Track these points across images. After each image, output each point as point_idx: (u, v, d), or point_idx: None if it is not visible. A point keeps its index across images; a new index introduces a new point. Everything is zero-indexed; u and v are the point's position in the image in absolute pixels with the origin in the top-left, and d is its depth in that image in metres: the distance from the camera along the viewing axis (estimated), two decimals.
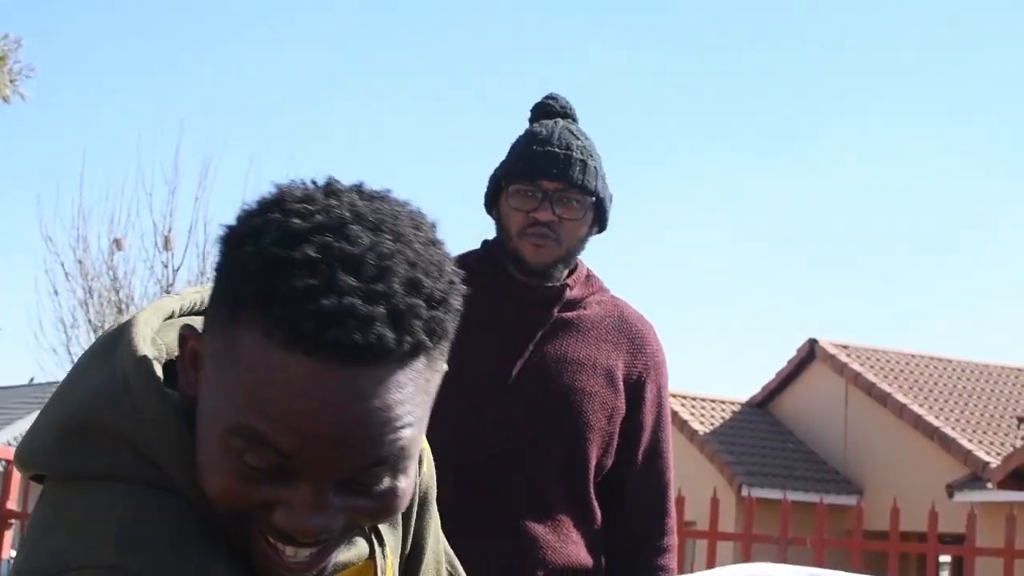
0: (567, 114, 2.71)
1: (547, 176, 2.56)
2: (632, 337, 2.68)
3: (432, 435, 2.36)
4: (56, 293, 15.74)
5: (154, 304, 1.24)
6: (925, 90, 29.39)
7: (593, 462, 2.58)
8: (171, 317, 1.24)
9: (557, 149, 2.59)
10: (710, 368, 31.77)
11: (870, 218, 29.54)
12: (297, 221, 1.06)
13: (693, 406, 20.51)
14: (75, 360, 1.24)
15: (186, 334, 1.13)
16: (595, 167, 2.61)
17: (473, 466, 2.48)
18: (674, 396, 20.32)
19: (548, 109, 2.70)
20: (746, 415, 20.78)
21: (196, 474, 1.09)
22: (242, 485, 1.07)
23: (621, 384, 2.63)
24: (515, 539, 2.49)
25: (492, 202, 2.65)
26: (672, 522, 2.72)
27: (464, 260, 2.63)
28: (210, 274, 1.28)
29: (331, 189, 1.11)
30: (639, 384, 2.66)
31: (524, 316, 2.59)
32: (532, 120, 2.71)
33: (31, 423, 1.19)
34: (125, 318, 1.22)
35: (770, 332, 29.37)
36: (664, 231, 28.86)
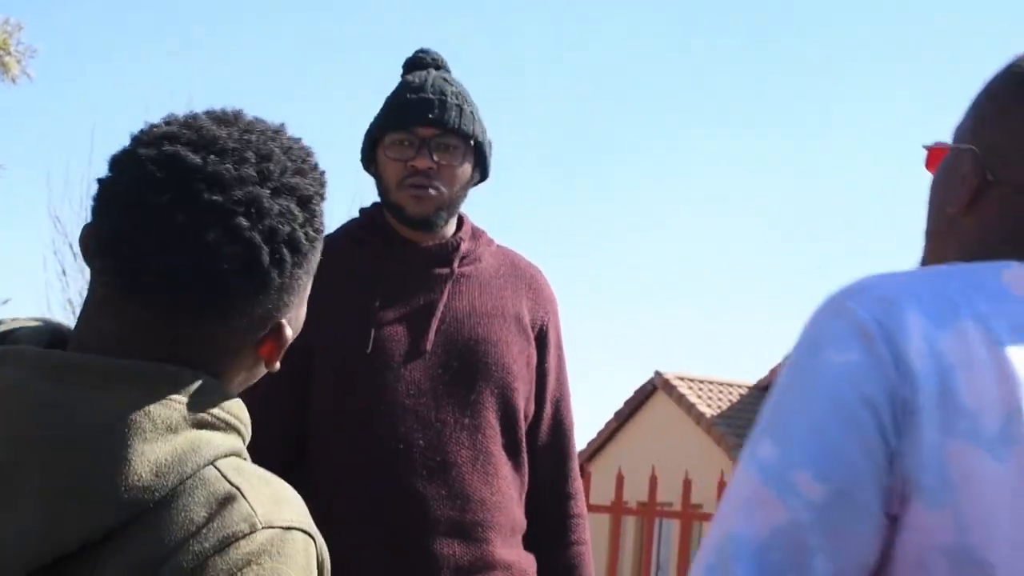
0: (439, 65, 2.66)
1: (422, 122, 2.52)
2: (529, 283, 2.66)
3: (356, 414, 2.41)
4: (64, 273, 15.75)
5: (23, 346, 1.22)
6: (925, 86, 29.32)
7: (522, 411, 2.57)
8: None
9: (431, 95, 2.55)
10: (717, 351, 31.80)
11: (879, 201, 29.51)
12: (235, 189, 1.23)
13: (700, 389, 20.53)
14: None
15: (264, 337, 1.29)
16: (471, 112, 2.58)
17: (407, 438, 2.45)
18: (681, 379, 20.35)
19: (420, 61, 2.66)
20: (754, 398, 20.78)
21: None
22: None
23: (529, 331, 2.62)
24: (465, 501, 2.47)
25: (370, 157, 2.60)
26: (575, 466, 2.71)
27: (349, 231, 2.60)
28: None
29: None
30: (543, 329, 2.65)
31: (425, 276, 2.55)
32: (404, 74, 2.65)
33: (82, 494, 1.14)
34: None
35: (777, 315, 29.38)
36: (672, 213, 28.85)
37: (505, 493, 2.52)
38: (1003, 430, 1.18)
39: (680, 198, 29.31)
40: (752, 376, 21.51)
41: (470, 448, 2.49)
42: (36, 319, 1.28)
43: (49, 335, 1.25)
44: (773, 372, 21.26)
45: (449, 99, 2.55)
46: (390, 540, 2.44)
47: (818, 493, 1.17)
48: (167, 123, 1.27)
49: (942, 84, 28.11)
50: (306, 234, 1.25)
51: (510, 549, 2.53)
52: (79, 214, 15.80)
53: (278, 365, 1.29)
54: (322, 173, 1.29)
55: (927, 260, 1.42)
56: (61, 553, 1.13)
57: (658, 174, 28.87)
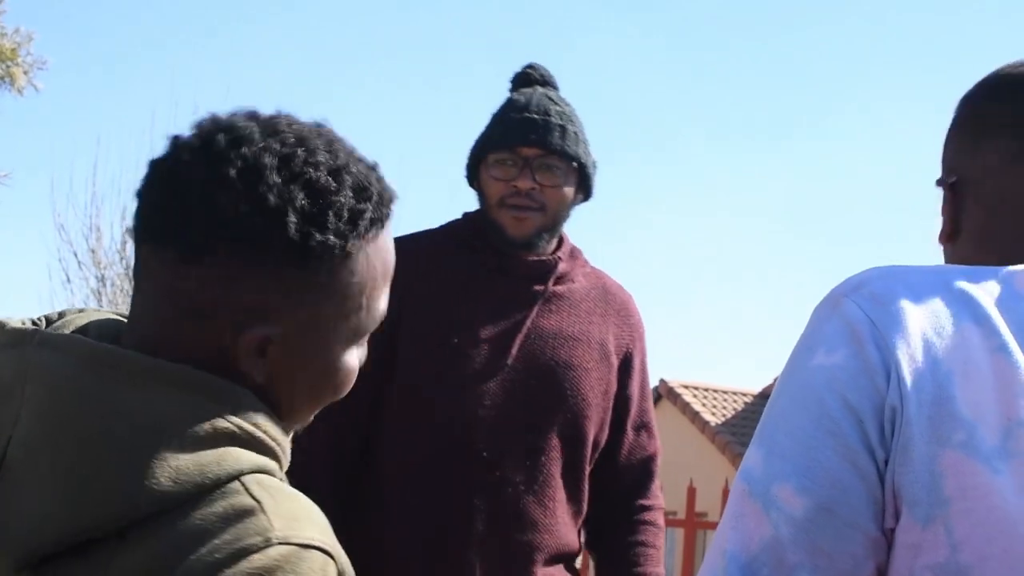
0: (546, 82, 2.66)
1: (525, 142, 2.52)
2: (618, 309, 2.66)
3: (427, 414, 2.41)
4: (69, 281, 15.76)
5: (71, 336, 1.23)
6: (925, 86, 29.32)
7: (591, 439, 2.57)
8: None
9: (535, 115, 2.54)
10: (722, 359, 31.77)
11: (885, 203, 29.49)
12: (299, 156, 1.23)
13: (705, 397, 20.50)
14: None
15: (258, 336, 1.21)
16: (575, 132, 2.57)
17: (472, 444, 2.46)
18: (686, 387, 20.32)
19: (527, 78, 2.66)
20: (758, 406, 20.75)
21: (293, 403, 1.26)
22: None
23: (613, 358, 2.62)
24: (515, 520, 2.47)
25: (473, 174, 2.60)
26: (658, 488, 2.72)
27: (450, 231, 2.60)
28: None
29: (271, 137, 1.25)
30: (628, 355, 2.65)
31: (517, 290, 2.55)
32: (512, 90, 2.66)
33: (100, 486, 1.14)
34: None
35: (782, 323, 29.34)
36: (676, 217, 28.84)
37: (558, 516, 2.52)
38: (1002, 443, 1.10)
39: (685, 204, 29.30)
40: (757, 384, 21.49)
41: (530, 467, 2.48)
42: (116, 313, 1.30)
43: (113, 331, 1.26)
44: (777, 380, 21.14)
45: (553, 119, 2.55)
46: (430, 545, 2.44)
47: (798, 507, 1.10)
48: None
49: (946, 85, 28.06)
50: (353, 215, 1.28)
51: (552, 571, 2.52)
52: (83, 223, 15.84)
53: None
54: (377, 170, 1.33)
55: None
56: (74, 540, 1.13)
57: (663, 180, 28.87)
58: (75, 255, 15.74)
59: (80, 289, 15.73)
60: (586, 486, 2.60)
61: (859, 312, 1.15)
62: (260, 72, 25.83)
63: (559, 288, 2.59)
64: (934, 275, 1.19)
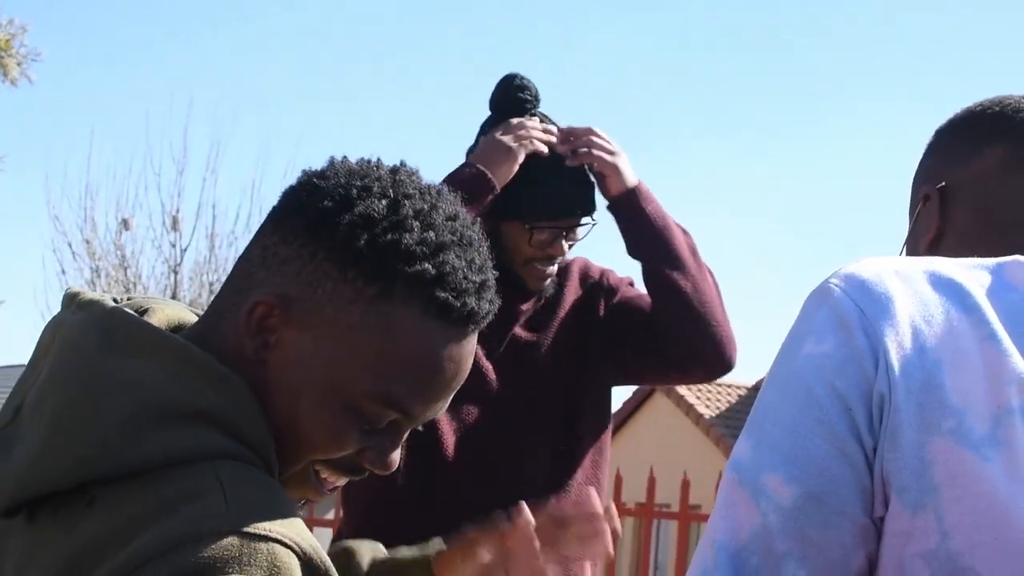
0: (538, 100, 2.61)
1: (573, 216, 2.56)
2: (589, 289, 2.66)
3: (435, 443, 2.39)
4: (63, 272, 15.76)
5: (105, 300, 1.26)
6: (924, 86, 29.31)
7: (585, 440, 2.57)
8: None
9: (578, 187, 2.56)
10: None
11: (881, 203, 29.50)
12: (421, 205, 1.22)
13: (699, 390, 20.50)
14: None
15: (262, 300, 1.21)
16: (593, 182, 2.60)
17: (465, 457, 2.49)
18: None
19: (523, 105, 2.58)
20: (753, 399, 20.66)
21: (279, 425, 1.20)
22: (356, 438, 1.21)
23: (603, 336, 2.61)
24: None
25: (494, 215, 2.50)
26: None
27: None
28: (220, 255, 1.29)
29: (398, 170, 1.26)
30: (610, 296, 2.65)
31: (504, 305, 2.52)
32: (505, 111, 2.57)
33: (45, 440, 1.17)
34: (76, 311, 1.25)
35: (777, 317, 29.34)
36: (674, 215, 28.79)
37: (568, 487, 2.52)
38: (992, 430, 1.10)
39: (679, 199, 29.29)
40: (751, 377, 21.49)
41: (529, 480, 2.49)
42: (192, 310, 1.33)
43: (177, 320, 1.29)
44: (768, 371, 21.17)
45: (586, 180, 2.57)
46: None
47: (787, 496, 1.10)
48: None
49: (944, 85, 28.10)
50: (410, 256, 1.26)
51: None
52: (78, 214, 15.83)
53: None
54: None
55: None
56: (46, 486, 1.15)
57: (656, 174, 28.85)
58: (70, 246, 15.75)
59: (75, 280, 15.71)
60: (607, 470, 2.60)
61: (848, 301, 1.15)
62: (256, 67, 25.79)
63: (546, 301, 2.61)
64: (924, 265, 1.19)
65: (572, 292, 2.64)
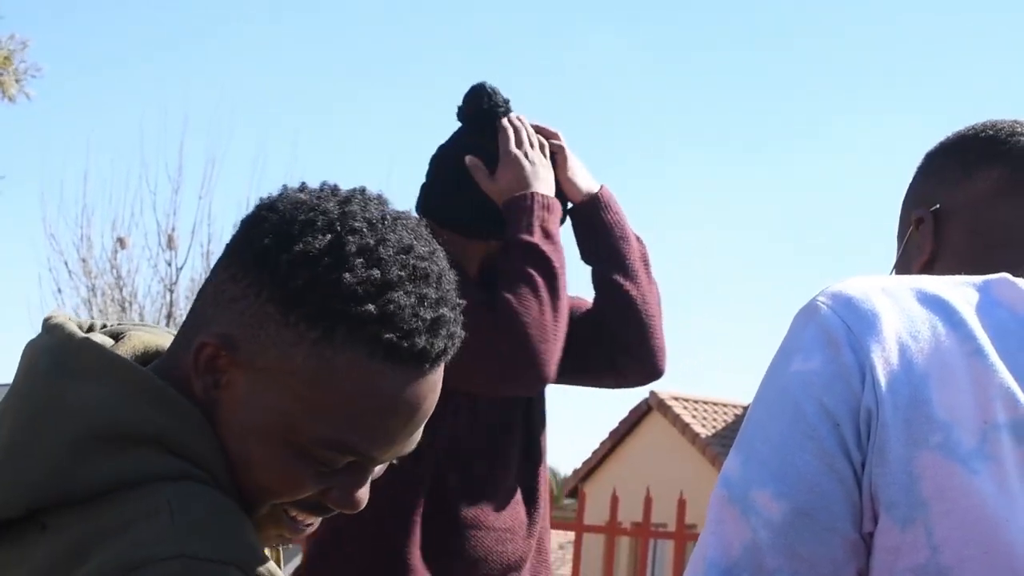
0: (509, 111, 2.56)
1: (496, 239, 2.52)
2: None
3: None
4: (59, 291, 15.72)
5: (68, 324, 1.24)
6: (924, 91, 29.38)
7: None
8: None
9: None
10: (712, 371, 31.76)
11: (872, 216, 29.54)
12: (368, 240, 1.15)
13: (695, 409, 20.49)
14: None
15: (208, 342, 1.17)
16: None
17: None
18: (676, 399, 20.31)
19: (496, 111, 2.53)
20: None
21: (234, 465, 1.17)
22: (313, 481, 1.16)
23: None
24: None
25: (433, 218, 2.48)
26: None
27: None
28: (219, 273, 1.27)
29: (350, 200, 1.19)
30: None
31: None
32: (475, 121, 2.54)
33: None
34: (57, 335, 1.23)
35: (774, 335, 29.39)
36: (664, 230, 28.86)
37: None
38: (979, 445, 1.11)
39: (675, 217, 29.33)
40: (747, 396, 21.48)
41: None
42: (167, 331, 1.30)
43: (156, 347, 1.26)
44: (757, 388, 21.14)
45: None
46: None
47: (776, 512, 1.11)
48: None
49: (943, 98, 28.15)
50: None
51: None
52: (74, 232, 15.81)
53: None
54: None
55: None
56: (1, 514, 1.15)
57: (651, 192, 28.90)
58: (66, 264, 15.73)
59: (70, 299, 15.71)
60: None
61: (835, 318, 1.16)
62: (249, 81, 25.82)
63: None
64: (911, 282, 1.20)
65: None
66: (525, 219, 2.42)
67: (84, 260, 15.82)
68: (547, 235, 2.43)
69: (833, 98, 30.17)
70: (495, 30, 29.43)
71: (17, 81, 10.47)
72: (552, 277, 2.40)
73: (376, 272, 1.13)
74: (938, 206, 1.37)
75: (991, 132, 1.38)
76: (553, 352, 2.40)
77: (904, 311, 1.16)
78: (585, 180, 2.57)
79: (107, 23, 25.84)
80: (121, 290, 15.80)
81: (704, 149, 29.70)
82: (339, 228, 1.15)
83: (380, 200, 1.21)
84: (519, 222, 2.41)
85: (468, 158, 2.49)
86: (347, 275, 1.13)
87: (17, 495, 1.14)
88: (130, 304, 15.66)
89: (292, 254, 1.14)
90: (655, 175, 29.18)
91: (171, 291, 15.76)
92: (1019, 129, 1.37)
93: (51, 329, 1.22)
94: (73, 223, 15.92)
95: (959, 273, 1.26)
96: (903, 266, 1.40)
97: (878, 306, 1.16)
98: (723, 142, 29.98)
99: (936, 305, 1.17)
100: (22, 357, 1.21)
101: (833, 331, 1.15)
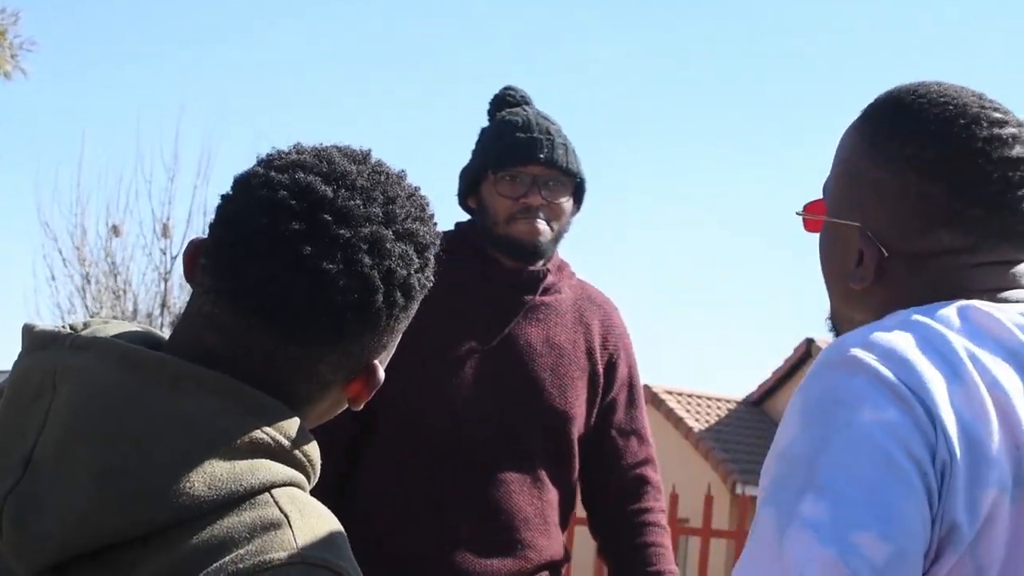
0: (527, 101, 2.74)
1: (534, 161, 2.60)
2: (602, 319, 2.74)
3: (421, 418, 2.44)
4: (53, 279, 15.72)
5: (118, 343, 1.21)
6: None
7: (576, 445, 2.64)
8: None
9: (539, 135, 2.62)
10: (706, 366, 31.80)
11: None
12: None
13: (688, 403, 20.52)
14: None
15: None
16: (573, 149, 2.66)
17: (460, 453, 2.53)
18: (669, 393, 20.34)
19: (510, 100, 2.73)
20: (741, 413, 20.78)
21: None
22: None
23: (598, 366, 2.69)
24: (507, 517, 2.53)
25: (469, 193, 2.67)
26: (657, 491, 2.75)
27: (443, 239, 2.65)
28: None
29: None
30: (612, 363, 2.72)
31: (507, 299, 2.62)
32: (495, 111, 2.73)
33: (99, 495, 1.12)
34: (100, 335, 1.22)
35: (767, 331, 29.39)
36: (659, 227, 28.85)
37: (548, 517, 2.59)
38: (1015, 471, 1.19)
39: (669, 212, 29.34)
40: (740, 391, 21.52)
41: (519, 471, 2.55)
42: (139, 325, 1.28)
43: (142, 341, 1.24)
44: (761, 388, 21.29)
45: (555, 138, 2.63)
46: (422, 549, 2.50)
47: (881, 554, 1.14)
48: (298, 152, 1.26)
49: None
50: (419, 280, 1.25)
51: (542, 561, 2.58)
52: (69, 220, 15.79)
53: (362, 405, 1.28)
54: (436, 224, 1.30)
55: (838, 317, 1.43)
56: (104, 542, 1.12)
57: (647, 188, 28.91)
58: (60, 252, 15.72)
59: (65, 287, 15.71)
60: (577, 490, 2.68)
61: (890, 373, 1.20)
62: (247, 72, 25.79)
63: (547, 298, 2.66)
64: (923, 330, 1.25)
65: (579, 302, 2.71)
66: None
67: (78, 248, 15.80)
68: None
69: (833, 98, 30.17)
70: (495, 30, 29.41)
71: (13, 56, 10.29)
72: None
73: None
74: (887, 254, 1.35)
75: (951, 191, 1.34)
76: None
77: (937, 362, 1.22)
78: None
79: (102, 10, 25.78)
80: (115, 278, 15.78)
81: (703, 148, 29.72)
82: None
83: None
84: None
85: None
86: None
87: (131, 521, 1.12)
88: (124, 292, 15.64)
89: None
90: (651, 173, 29.20)
91: (166, 280, 15.74)
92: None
93: (88, 345, 1.18)
94: (67, 211, 15.93)
95: (897, 307, 1.30)
96: (834, 274, 1.41)
97: (917, 360, 1.21)
98: (723, 142, 29.99)
99: (951, 349, 1.23)
100: (63, 380, 1.17)
101: (893, 384, 1.19)
